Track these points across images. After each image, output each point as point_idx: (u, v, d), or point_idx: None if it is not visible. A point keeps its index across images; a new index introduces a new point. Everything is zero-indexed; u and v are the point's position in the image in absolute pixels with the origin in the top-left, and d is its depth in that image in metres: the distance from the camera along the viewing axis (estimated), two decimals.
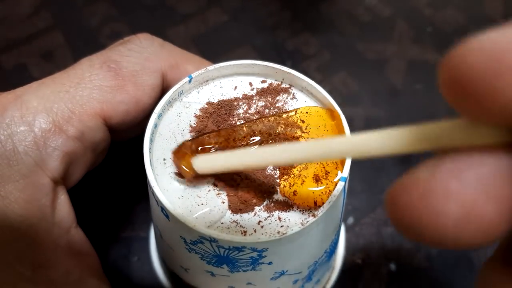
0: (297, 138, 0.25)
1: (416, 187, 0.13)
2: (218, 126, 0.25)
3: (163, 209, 0.22)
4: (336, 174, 0.23)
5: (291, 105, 0.26)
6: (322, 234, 0.24)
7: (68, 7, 0.46)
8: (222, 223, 0.22)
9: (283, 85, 0.27)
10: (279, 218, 0.22)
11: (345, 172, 0.23)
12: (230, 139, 0.24)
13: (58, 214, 0.25)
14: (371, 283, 0.33)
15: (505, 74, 0.11)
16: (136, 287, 0.32)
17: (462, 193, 0.12)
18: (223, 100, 0.26)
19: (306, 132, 0.25)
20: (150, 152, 0.23)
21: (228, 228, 0.22)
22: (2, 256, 0.23)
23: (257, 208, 0.23)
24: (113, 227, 0.34)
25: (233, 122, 0.25)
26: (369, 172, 0.38)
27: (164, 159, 0.24)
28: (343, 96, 0.41)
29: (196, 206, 0.23)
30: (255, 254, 0.21)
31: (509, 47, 0.11)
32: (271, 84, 0.27)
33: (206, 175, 0.23)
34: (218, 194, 0.23)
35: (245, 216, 0.23)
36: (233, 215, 0.23)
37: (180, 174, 0.23)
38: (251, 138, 0.24)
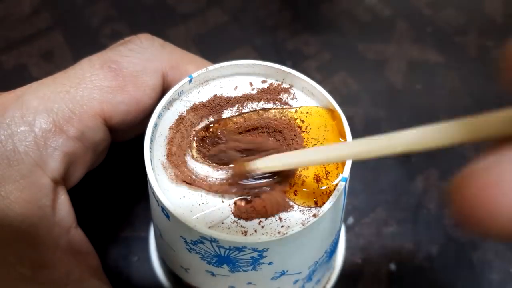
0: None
1: (482, 177, 0.12)
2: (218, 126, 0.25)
3: (163, 209, 0.22)
4: (337, 175, 0.23)
5: (291, 105, 0.26)
6: (322, 234, 0.24)
7: (68, 7, 0.46)
8: (222, 223, 0.22)
9: (284, 85, 0.27)
10: (280, 218, 0.22)
11: (346, 172, 0.23)
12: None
13: (58, 214, 0.25)
14: (371, 283, 0.33)
15: None
16: (136, 287, 0.32)
17: None
18: (223, 100, 0.26)
19: (307, 132, 0.25)
20: (150, 152, 0.23)
21: (229, 228, 0.22)
22: (3, 256, 0.23)
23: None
24: (113, 227, 0.34)
25: (233, 121, 0.25)
26: (369, 172, 0.38)
27: (165, 160, 0.24)
28: (343, 96, 0.41)
29: (197, 206, 0.23)
30: (255, 254, 0.21)
31: None
32: (271, 84, 0.27)
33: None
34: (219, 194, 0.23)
35: None
36: (233, 214, 0.23)
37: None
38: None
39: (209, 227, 0.22)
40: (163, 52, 0.28)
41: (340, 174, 0.23)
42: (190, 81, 0.26)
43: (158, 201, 0.22)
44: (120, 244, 0.34)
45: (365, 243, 0.35)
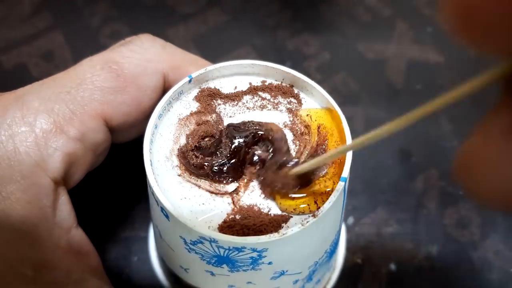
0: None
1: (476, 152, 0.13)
2: (218, 126, 0.25)
3: (163, 209, 0.22)
4: (336, 174, 0.23)
5: (291, 105, 0.26)
6: (322, 235, 0.24)
7: (68, 7, 0.46)
8: (222, 223, 0.22)
9: (283, 85, 0.27)
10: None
11: (345, 172, 0.23)
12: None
13: (59, 214, 0.25)
14: (371, 283, 0.33)
15: None
16: (136, 287, 0.32)
17: None
18: (223, 99, 0.26)
19: (306, 133, 0.25)
20: (150, 152, 0.23)
21: (228, 228, 0.22)
22: (5, 257, 0.23)
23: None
24: (113, 227, 0.34)
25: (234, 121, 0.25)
26: (369, 172, 0.38)
27: (166, 157, 0.24)
28: (343, 96, 0.41)
29: (197, 206, 0.23)
30: (255, 254, 0.21)
31: None
32: (271, 84, 0.27)
33: None
34: (218, 194, 0.23)
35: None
36: (233, 215, 0.23)
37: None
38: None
39: (209, 227, 0.22)
40: (164, 53, 0.28)
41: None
42: (190, 81, 0.26)
43: (157, 202, 0.22)
44: (120, 244, 0.34)
45: (365, 243, 0.35)
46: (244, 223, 0.22)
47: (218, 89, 0.27)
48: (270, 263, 0.22)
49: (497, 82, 0.13)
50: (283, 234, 0.21)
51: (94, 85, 0.26)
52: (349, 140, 0.24)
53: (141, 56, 0.27)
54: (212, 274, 0.24)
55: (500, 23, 0.11)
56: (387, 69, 0.43)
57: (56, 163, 0.24)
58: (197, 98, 0.26)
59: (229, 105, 0.26)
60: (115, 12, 0.46)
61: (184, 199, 0.23)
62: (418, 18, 0.47)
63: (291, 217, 0.23)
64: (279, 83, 0.27)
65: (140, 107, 0.27)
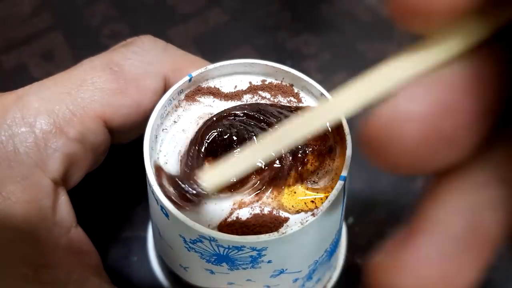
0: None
1: (380, 116, 0.13)
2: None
3: (162, 208, 0.22)
4: (335, 173, 0.23)
5: (291, 104, 0.26)
6: (322, 234, 0.24)
7: (68, 7, 0.46)
8: (221, 222, 0.22)
9: (283, 84, 0.27)
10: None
11: (345, 171, 0.23)
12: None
13: (58, 214, 0.25)
14: None
15: None
16: (135, 286, 0.32)
17: (417, 112, 0.13)
18: (223, 98, 0.26)
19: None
20: (150, 150, 0.23)
21: (228, 226, 0.22)
22: (6, 257, 0.23)
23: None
24: (113, 227, 0.34)
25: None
26: (369, 172, 0.38)
27: (166, 158, 0.24)
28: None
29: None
30: (254, 253, 0.21)
31: None
32: (271, 83, 0.27)
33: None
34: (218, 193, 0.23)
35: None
36: (233, 214, 0.23)
37: None
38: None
39: (208, 226, 0.22)
40: (165, 55, 0.28)
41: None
42: (190, 80, 0.26)
43: (157, 200, 0.22)
44: (120, 244, 0.34)
45: (365, 243, 0.35)
46: (244, 222, 0.22)
47: (218, 88, 0.27)
48: (269, 261, 0.22)
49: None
50: (283, 233, 0.21)
51: (94, 86, 0.26)
52: (348, 139, 0.24)
53: (142, 58, 0.27)
54: (212, 272, 0.24)
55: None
56: None
57: (55, 164, 0.24)
58: (197, 97, 0.26)
59: (229, 104, 0.26)
60: (115, 12, 0.46)
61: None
62: None
63: (291, 216, 0.23)
64: (279, 82, 0.27)
65: (140, 109, 0.27)
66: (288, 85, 0.27)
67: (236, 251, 0.21)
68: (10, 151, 0.24)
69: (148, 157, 0.23)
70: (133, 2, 0.47)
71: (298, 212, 0.23)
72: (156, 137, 0.25)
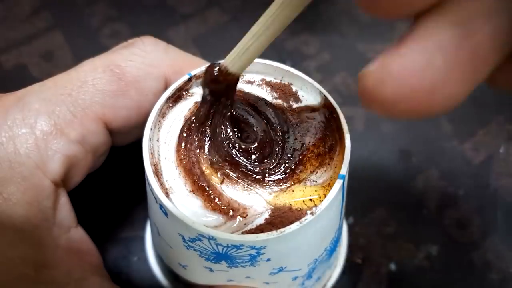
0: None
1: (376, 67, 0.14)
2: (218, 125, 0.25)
3: (161, 206, 0.22)
4: (334, 172, 0.24)
5: (291, 104, 0.26)
6: (321, 232, 0.24)
7: (68, 7, 0.46)
8: (221, 221, 0.22)
9: (282, 83, 0.27)
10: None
11: (343, 170, 0.23)
12: None
13: (59, 215, 0.25)
14: (371, 283, 0.33)
15: None
16: (136, 286, 0.32)
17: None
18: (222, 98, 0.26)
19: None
20: (149, 149, 0.23)
21: (226, 225, 0.22)
22: (7, 257, 0.23)
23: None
24: (113, 227, 0.34)
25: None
26: (369, 172, 0.38)
27: (165, 157, 0.24)
28: (343, 96, 0.41)
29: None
30: (253, 252, 0.21)
31: None
32: (270, 81, 0.27)
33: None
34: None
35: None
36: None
37: None
38: None
39: (207, 224, 0.22)
40: (166, 57, 0.28)
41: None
42: (190, 79, 0.26)
43: (156, 199, 0.22)
44: (120, 244, 0.34)
45: (365, 243, 0.35)
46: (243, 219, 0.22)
47: None
48: (268, 260, 0.22)
49: None
50: (281, 231, 0.21)
51: (95, 88, 0.26)
52: (348, 139, 0.24)
53: (143, 59, 0.27)
54: (211, 270, 0.24)
55: None
56: None
57: (56, 165, 0.24)
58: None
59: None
60: (115, 12, 0.46)
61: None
62: None
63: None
64: (278, 81, 0.27)
65: (141, 111, 0.27)
66: (287, 84, 0.27)
67: (235, 249, 0.21)
68: (11, 152, 0.24)
69: (147, 156, 0.23)
70: (133, 2, 0.47)
71: (297, 209, 0.23)
72: (156, 137, 0.25)
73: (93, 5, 0.46)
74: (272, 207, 0.23)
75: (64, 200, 0.25)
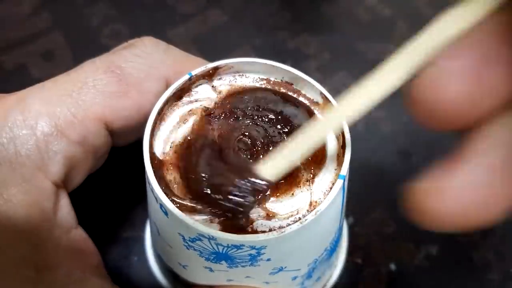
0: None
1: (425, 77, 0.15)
2: (218, 125, 0.25)
3: (162, 206, 0.22)
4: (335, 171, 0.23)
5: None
6: (321, 233, 0.24)
7: (68, 7, 0.46)
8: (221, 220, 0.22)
9: (283, 83, 0.27)
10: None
11: (344, 170, 0.23)
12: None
13: (59, 216, 0.25)
14: (371, 283, 0.33)
15: None
16: (136, 286, 0.32)
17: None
18: (223, 98, 0.26)
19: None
20: (149, 148, 0.23)
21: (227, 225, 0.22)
22: (7, 258, 0.23)
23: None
24: (113, 227, 0.34)
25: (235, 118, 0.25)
26: (369, 172, 0.38)
27: (166, 157, 0.24)
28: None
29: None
30: (253, 252, 0.21)
31: None
32: (269, 80, 0.27)
33: None
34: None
35: None
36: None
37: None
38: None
39: (207, 224, 0.22)
40: (167, 58, 0.28)
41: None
42: (190, 78, 0.26)
43: (157, 198, 0.22)
44: (120, 244, 0.34)
45: (365, 243, 0.35)
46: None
47: (217, 87, 0.27)
48: (268, 259, 0.22)
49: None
50: (282, 232, 0.21)
51: (96, 89, 0.26)
52: (348, 139, 0.24)
53: (144, 60, 0.27)
54: (211, 270, 0.24)
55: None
56: None
57: (57, 166, 0.24)
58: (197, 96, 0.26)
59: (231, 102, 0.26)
60: (115, 12, 0.46)
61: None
62: (418, 18, 0.47)
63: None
64: (279, 81, 0.27)
65: (141, 112, 0.27)
66: (287, 83, 0.27)
67: (235, 249, 0.21)
68: (12, 153, 0.24)
69: (148, 155, 0.23)
70: (133, 2, 0.47)
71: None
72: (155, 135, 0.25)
73: (93, 5, 0.46)
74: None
75: (64, 201, 0.25)
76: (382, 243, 0.35)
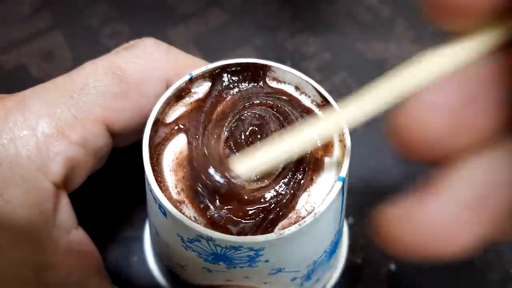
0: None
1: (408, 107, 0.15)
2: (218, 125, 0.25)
3: (160, 206, 0.22)
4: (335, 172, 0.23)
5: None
6: (320, 235, 0.24)
7: (68, 7, 0.46)
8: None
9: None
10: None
11: (343, 172, 0.23)
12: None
13: (59, 217, 0.25)
14: (371, 283, 0.33)
15: None
16: (136, 287, 0.33)
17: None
18: (223, 97, 0.26)
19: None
20: (149, 148, 0.23)
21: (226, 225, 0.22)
22: (8, 259, 0.23)
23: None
24: (113, 228, 0.34)
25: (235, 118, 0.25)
26: (369, 172, 0.38)
27: (165, 157, 0.24)
28: (343, 96, 0.41)
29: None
30: (252, 253, 0.21)
31: None
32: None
33: None
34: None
35: None
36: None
37: None
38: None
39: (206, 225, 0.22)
40: (168, 59, 0.28)
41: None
42: (190, 79, 0.26)
43: (155, 199, 0.22)
44: (120, 244, 0.34)
45: (365, 243, 0.35)
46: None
47: None
48: (267, 261, 0.22)
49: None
50: (280, 234, 0.21)
51: (97, 90, 0.26)
52: (348, 139, 0.24)
53: (145, 62, 0.27)
54: (209, 271, 0.24)
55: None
56: (387, 69, 0.43)
57: (57, 167, 0.24)
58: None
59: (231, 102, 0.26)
60: (115, 12, 0.46)
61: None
62: (418, 18, 0.47)
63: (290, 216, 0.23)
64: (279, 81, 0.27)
65: (142, 113, 0.27)
66: (287, 83, 0.27)
67: (234, 250, 0.21)
68: (12, 154, 0.24)
69: (147, 155, 0.23)
70: (133, 2, 0.47)
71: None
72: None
73: (93, 5, 0.46)
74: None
75: (65, 202, 0.25)
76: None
